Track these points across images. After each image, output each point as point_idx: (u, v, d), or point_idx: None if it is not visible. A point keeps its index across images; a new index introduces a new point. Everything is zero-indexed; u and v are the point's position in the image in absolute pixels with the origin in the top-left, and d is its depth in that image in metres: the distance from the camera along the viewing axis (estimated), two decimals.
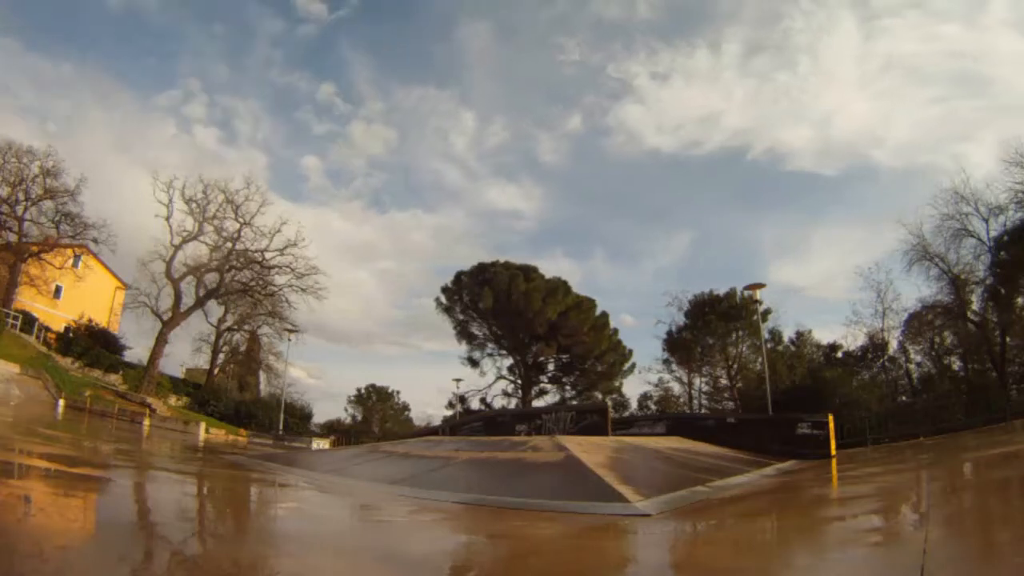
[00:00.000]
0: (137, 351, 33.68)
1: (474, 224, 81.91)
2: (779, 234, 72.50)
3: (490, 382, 38.78)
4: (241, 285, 32.54)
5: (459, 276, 39.01)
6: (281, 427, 30.06)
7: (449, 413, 38.15)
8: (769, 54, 70.45)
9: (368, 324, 79.34)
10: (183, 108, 69.68)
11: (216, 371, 35.89)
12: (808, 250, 70.72)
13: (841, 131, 67.63)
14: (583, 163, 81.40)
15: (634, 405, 38.06)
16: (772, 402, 19.70)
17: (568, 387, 38.76)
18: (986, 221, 25.24)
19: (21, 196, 28.84)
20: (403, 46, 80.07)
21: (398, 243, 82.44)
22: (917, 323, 28.30)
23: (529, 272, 36.57)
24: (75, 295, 34.58)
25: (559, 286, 36.40)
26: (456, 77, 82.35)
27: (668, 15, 74.02)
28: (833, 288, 61.50)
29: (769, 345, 30.12)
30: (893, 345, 29.83)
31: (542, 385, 39.18)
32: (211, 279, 31.77)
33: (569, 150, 79.89)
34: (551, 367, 39.10)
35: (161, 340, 28.81)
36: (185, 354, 36.06)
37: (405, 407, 52.79)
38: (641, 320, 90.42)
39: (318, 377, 76.33)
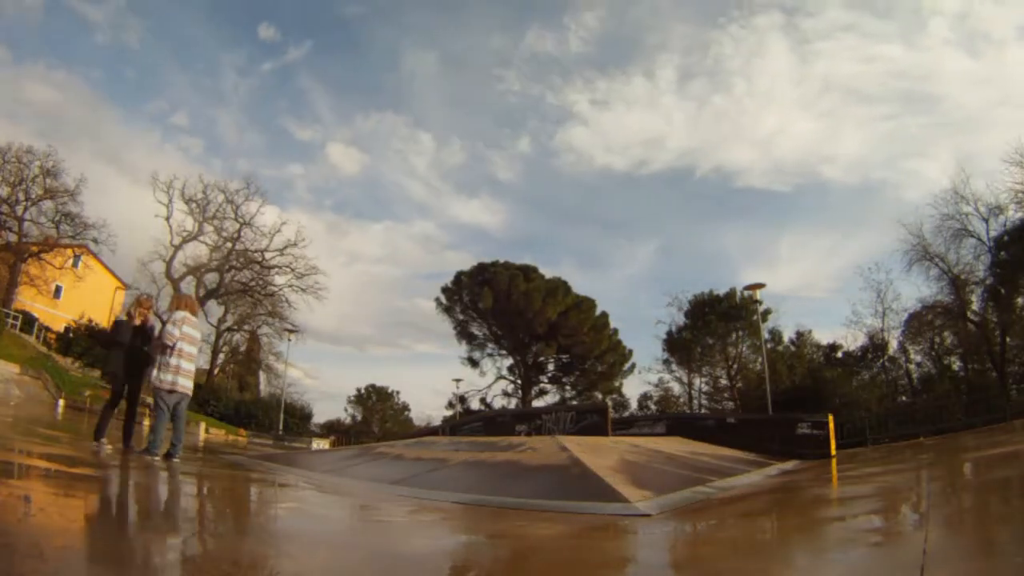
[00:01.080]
0: None
1: (447, 235, 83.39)
2: (745, 242, 73.32)
3: (490, 382, 38.85)
4: (241, 285, 32.59)
5: (459, 276, 39.04)
6: (281, 427, 30.08)
7: (449, 413, 38.17)
8: (703, 79, 71.53)
9: (360, 327, 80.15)
10: (169, 118, 70.86)
11: (216, 371, 35.92)
12: (777, 256, 71.30)
13: (787, 150, 68.57)
14: (539, 180, 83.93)
15: (634, 405, 38.15)
16: (772, 402, 19.71)
17: (568, 387, 38.79)
18: (986, 221, 25.31)
19: (21, 196, 28.90)
20: (356, 76, 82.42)
21: (381, 250, 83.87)
22: (917, 323, 28.34)
23: (529, 272, 36.58)
24: (75, 295, 34.58)
25: (559, 286, 36.42)
26: (408, 103, 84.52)
27: (599, 48, 75.78)
28: (816, 289, 61.61)
29: (769, 345, 30.13)
30: (893, 345, 29.90)
31: (542, 385, 39.21)
32: (211, 279, 31.86)
33: (523, 169, 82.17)
34: (551, 367, 39.12)
35: None
36: None
37: (405, 407, 52.86)
38: (618, 324, 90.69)
39: (315, 377, 76.76)
